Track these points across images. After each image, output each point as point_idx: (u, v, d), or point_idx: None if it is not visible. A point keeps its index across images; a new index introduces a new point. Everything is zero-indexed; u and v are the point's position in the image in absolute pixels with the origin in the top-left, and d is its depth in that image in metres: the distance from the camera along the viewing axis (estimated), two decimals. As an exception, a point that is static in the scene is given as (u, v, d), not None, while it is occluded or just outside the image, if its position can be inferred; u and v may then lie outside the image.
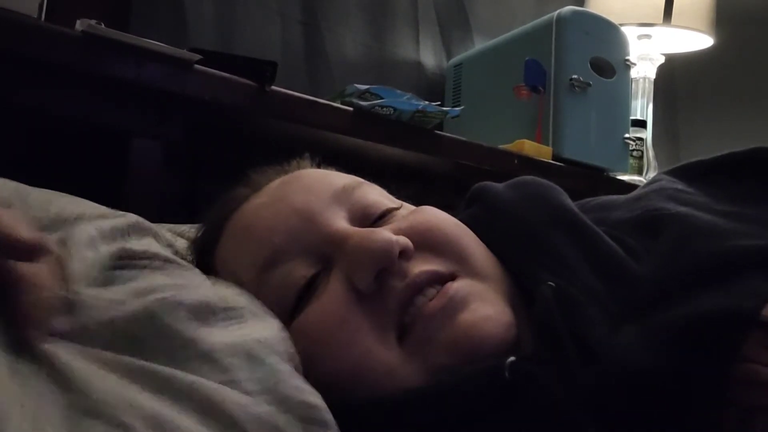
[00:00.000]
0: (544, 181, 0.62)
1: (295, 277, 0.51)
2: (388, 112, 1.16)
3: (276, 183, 0.59)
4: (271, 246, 0.52)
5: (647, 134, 1.76)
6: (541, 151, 1.42)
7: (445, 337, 0.48)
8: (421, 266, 0.50)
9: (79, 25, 0.87)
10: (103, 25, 0.87)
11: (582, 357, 0.46)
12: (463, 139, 1.29)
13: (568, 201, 0.59)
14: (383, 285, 0.49)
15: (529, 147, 1.40)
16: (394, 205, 0.57)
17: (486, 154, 1.30)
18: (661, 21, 1.79)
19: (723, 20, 1.93)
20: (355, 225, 0.53)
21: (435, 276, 0.50)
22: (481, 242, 0.56)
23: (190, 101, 0.96)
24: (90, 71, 0.88)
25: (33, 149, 1.07)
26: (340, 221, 0.53)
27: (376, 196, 0.57)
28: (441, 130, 1.29)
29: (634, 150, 1.63)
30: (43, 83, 0.89)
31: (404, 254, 0.50)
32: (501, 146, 1.38)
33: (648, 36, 1.84)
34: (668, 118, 2.40)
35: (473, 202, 0.63)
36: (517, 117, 1.54)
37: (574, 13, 1.54)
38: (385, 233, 0.50)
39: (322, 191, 0.55)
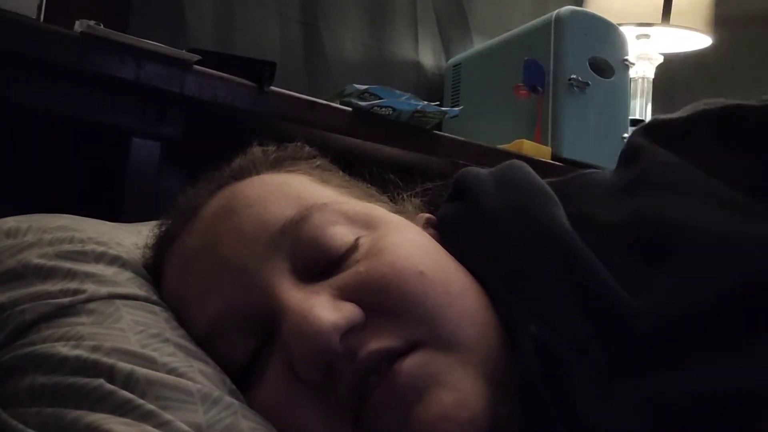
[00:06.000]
0: (533, 178, 0.55)
1: (235, 354, 0.47)
2: (387, 113, 1.16)
3: (209, 214, 0.52)
4: (206, 318, 0.48)
5: (646, 134, 1.75)
6: (540, 151, 1.42)
7: None
8: (374, 340, 0.43)
9: (78, 25, 0.87)
10: (102, 26, 0.87)
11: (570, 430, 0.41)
12: (462, 139, 1.29)
13: (560, 215, 0.51)
14: (331, 369, 0.43)
15: (528, 147, 1.40)
16: (351, 238, 0.48)
17: (485, 154, 1.30)
18: (660, 21, 1.79)
19: (722, 20, 1.93)
20: (299, 276, 0.47)
21: (388, 354, 0.43)
22: (461, 279, 0.48)
23: (189, 101, 0.97)
24: (89, 72, 0.88)
25: (33, 149, 1.07)
26: (279, 281, 0.46)
27: (328, 229, 0.48)
28: (440, 130, 1.29)
29: (632, 150, 1.63)
30: (43, 83, 0.89)
31: (352, 330, 0.43)
32: (500, 146, 1.38)
33: (647, 36, 1.84)
34: (667, 118, 2.40)
35: (458, 194, 0.57)
36: (516, 117, 1.54)
37: (573, 13, 1.54)
38: (323, 315, 0.43)
39: (257, 237, 0.48)
